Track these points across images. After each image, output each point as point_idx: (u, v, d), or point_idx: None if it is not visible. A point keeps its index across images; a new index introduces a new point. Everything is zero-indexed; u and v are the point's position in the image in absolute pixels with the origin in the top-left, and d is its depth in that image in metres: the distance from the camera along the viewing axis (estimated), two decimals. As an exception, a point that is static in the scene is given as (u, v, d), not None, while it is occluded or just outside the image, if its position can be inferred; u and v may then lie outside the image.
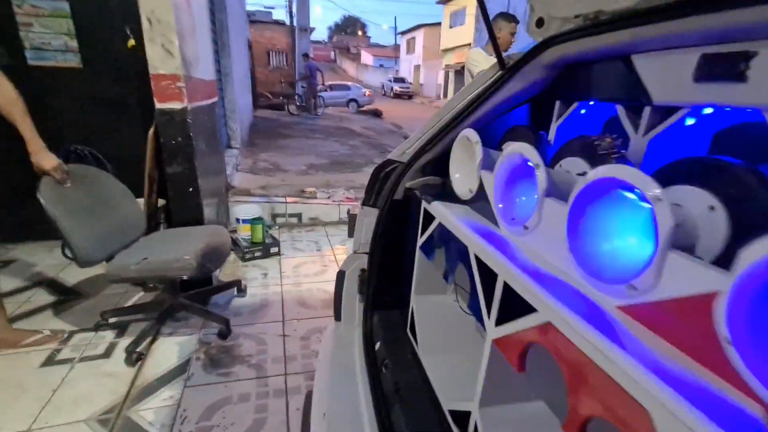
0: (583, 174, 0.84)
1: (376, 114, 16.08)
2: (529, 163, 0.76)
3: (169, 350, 2.02)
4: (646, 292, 0.52)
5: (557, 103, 1.18)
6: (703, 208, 0.59)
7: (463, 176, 1.10)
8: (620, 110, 0.95)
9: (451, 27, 26.70)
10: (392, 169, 1.36)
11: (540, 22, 1.10)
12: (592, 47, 0.95)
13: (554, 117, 1.19)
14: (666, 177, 0.68)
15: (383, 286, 1.41)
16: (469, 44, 22.48)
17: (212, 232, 2.24)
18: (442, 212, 1.03)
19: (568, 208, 0.65)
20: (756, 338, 0.40)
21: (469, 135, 1.04)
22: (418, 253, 1.21)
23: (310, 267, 3.11)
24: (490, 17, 3.12)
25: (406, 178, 1.31)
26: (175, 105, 2.33)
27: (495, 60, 2.88)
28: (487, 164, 0.98)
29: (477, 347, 1.15)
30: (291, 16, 15.77)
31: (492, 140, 1.31)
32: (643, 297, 0.53)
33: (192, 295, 2.34)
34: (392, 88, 29.39)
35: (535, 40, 1.14)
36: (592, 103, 1.09)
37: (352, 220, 3.76)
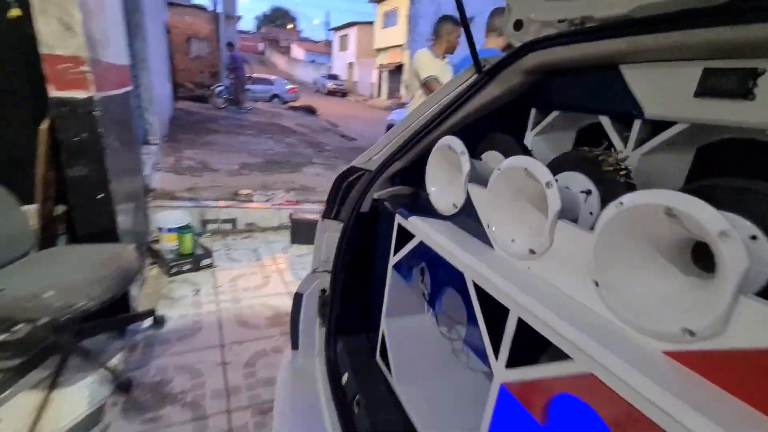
0: (588, 192, 0.78)
1: (311, 111, 15.60)
2: (541, 180, 0.67)
3: (74, 396, 1.65)
4: (709, 339, 0.46)
5: (533, 111, 1.13)
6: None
7: (443, 189, 1.00)
8: (605, 122, 0.92)
9: (384, 27, 26.92)
10: (356, 177, 1.22)
11: (518, 25, 1.03)
12: (579, 55, 0.90)
13: (530, 125, 1.14)
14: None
15: (348, 309, 1.26)
16: (401, 45, 22.85)
17: (111, 255, 1.80)
18: (425, 230, 0.92)
19: (595, 237, 0.57)
20: None
21: (452, 143, 0.93)
22: (390, 272, 1.09)
23: (250, 279, 2.82)
24: (437, 20, 3.08)
25: (374, 189, 1.17)
26: (78, 94, 1.92)
27: (442, 62, 2.83)
28: (475, 177, 0.89)
29: (462, 373, 1.06)
30: (215, 2, 14.59)
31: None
32: (703, 344, 0.46)
33: (90, 327, 1.92)
34: (325, 85, 28.85)
35: (512, 43, 1.07)
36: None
37: (295, 226, 3.50)
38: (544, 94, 1.07)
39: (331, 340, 1.25)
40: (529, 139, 1.15)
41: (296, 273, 2.96)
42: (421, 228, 0.94)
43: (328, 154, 7.23)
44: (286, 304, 1.80)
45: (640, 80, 0.82)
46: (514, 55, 1.01)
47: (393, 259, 1.08)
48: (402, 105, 12.42)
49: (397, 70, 24.98)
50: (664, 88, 0.78)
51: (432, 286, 0.98)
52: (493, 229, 0.81)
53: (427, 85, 2.84)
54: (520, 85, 1.08)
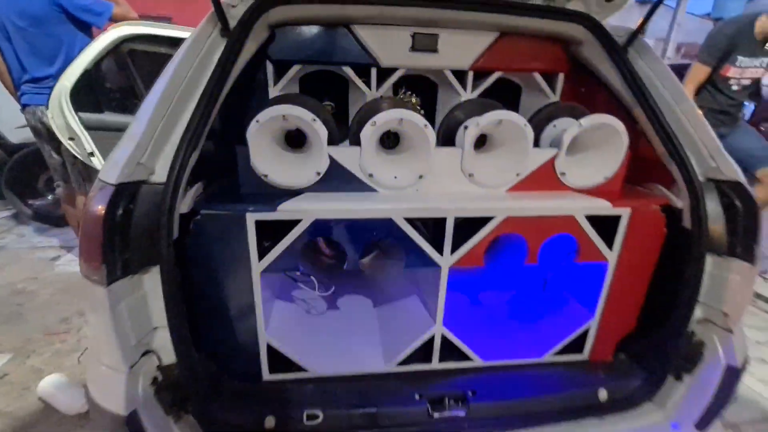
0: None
1: None
2: (419, 124, 0.91)
3: None
4: (523, 173, 1.02)
5: (270, 66, 1.14)
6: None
7: (288, 163, 0.93)
8: (349, 72, 1.17)
9: None
10: (133, 200, 0.78)
11: None
12: (320, 14, 1.05)
13: (271, 80, 1.16)
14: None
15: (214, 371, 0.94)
16: None
17: None
18: (320, 207, 0.89)
19: (463, 151, 0.95)
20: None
21: (297, 112, 0.87)
22: (258, 280, 0.94)
23: None
24: None
25: (178, 203, 0.83)
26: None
27: None
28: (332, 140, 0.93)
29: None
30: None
31: (238, 113, 1.06)
32: (518, 178, 1.02)
33: None
34: None
35: None
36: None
37: None
38: (282, 48, 1.11)
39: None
40: (275, 93, 1.17)
41: None
42: (315, 206, 0.89)
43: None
44: None
45: (370, 38, 1.12)
46: (260, 6, 0.96)
47: (262, 264, 0.92)
48: None
49: None
50: (391, 46, 1.14)
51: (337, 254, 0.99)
52: (374, 175, 0.96)
53: None
54: (264, 39, 1.05)
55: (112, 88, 2.35)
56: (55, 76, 2.03)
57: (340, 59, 1.15)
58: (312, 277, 1.15)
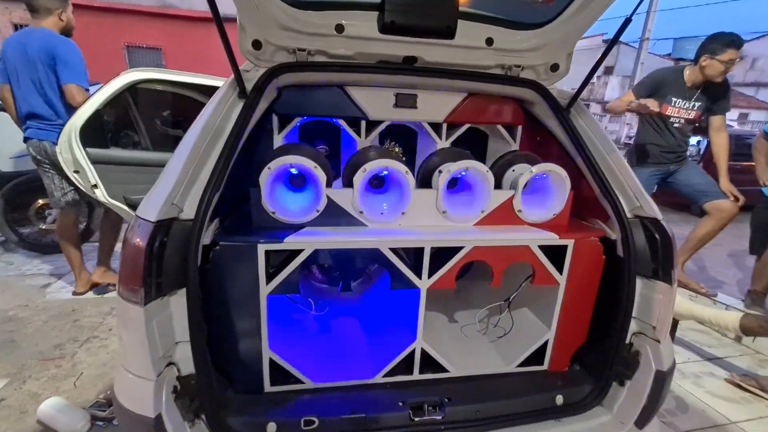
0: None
1: None
2: (403, 173, 1.12)
3: None
4: (487, 210, 1.23)
5: (275, 118, 1.35)
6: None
7: (294, 203, 1.11)
8: (343, 123, 1.39)
9: None
10: (167, 234, 0.94)
11: (257, 44, 1.19)
12: (322, 78, 1.27)
13: (275, 129, 1.36)
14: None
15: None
16: None
17: None
18: (320, 239, 1.07)
19: (438, 192, 1.16)
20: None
21: (300, 162, 1.07)
22: (265, 303, 1.10)
23: None
24: None
25: (203, 237, 1.00)
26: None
27: None
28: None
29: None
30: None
31: (253, 161, 1.25)
32: (486, 213, 1.23)
33: None
34: None
35: (251, 60, 1.21)
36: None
37: None
38: (287, 104, 1.32)
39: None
40: (279, 140, 1.37)
41: None
42: (315, 239, 1.07)
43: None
44: None
45: (361, 97, 1.35)
46: (272, 73, 1.17)
47: (269, 287, 1.08)
48: None
49: None
50: (377, 102, 1.36)
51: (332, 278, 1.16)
52: (364, 212, 1.16)
53: None
54: (273, 98, 1.25)
55: (114, 124, 2.52)
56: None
57: (335, 113, 1.37)
58: (309, 299, 1.32)
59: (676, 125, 2.75)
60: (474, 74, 1.29)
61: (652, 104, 2.53)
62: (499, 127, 1.49)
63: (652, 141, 2.79)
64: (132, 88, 2.32)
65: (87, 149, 2.13)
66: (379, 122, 1.42)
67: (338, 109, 1.36)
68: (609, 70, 25.25)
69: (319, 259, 1.09)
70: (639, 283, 1.17)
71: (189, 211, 0.97)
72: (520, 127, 1.51)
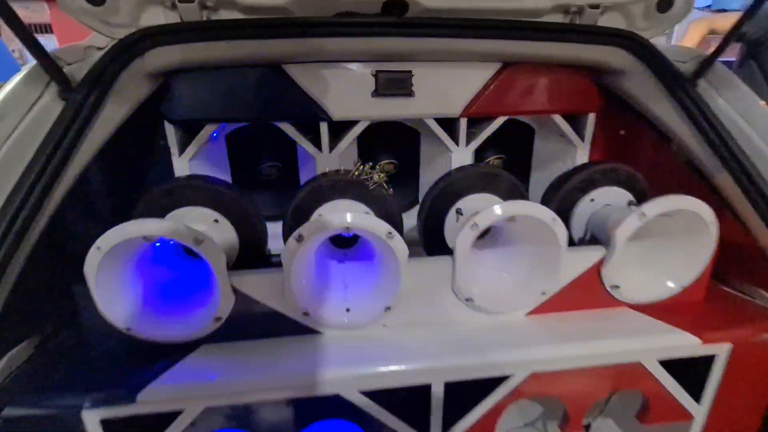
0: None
1: None
2: (384, 237, 0.55)
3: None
4: (551, 290, 0.65)
5: (172, 129, 0.79)
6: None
7: (171, 309, 0.56)
8: (290, 129, 0.82)
9: None
10: None
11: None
12: (235, 51, 0.69)
13: (174, 148, 0.81)
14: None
15: None
16: None
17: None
18: (234, 383, 0.52)
19: (456, 260, 0.58)
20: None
21: (181, 233, 0.51)
22: None
23: None
24: None
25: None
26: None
27: None
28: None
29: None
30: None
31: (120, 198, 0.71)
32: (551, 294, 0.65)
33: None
34: None
35: (91, 27, 0.65)
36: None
37: None
38: (184, 104, 0.75)
39: None
40: (183, 164, 0.81)
41: None
42: (206, 385, 0.52)
43: None
44: None
45: (314, 83, 0.76)
46: (127, 48, 0.61)
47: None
48: None
49: None
50: (343, 90, 0.78)
51: None
52: (312, 312, 0.60)
53: None
54: (148, 94, 0.69)
55: None
56: None
57: (273, 114, 0.79)
58: None
59: None
60: (514, 26, 0.70)
61: None
62: (557, 117, 0.89)
63: None
64: None
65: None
66: (350, 124, 0.83)
67: (276, 105, 0.78)
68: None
69: (234, 418, 0.55)
70: None
71: None
72: (592, 116, 0.90)
